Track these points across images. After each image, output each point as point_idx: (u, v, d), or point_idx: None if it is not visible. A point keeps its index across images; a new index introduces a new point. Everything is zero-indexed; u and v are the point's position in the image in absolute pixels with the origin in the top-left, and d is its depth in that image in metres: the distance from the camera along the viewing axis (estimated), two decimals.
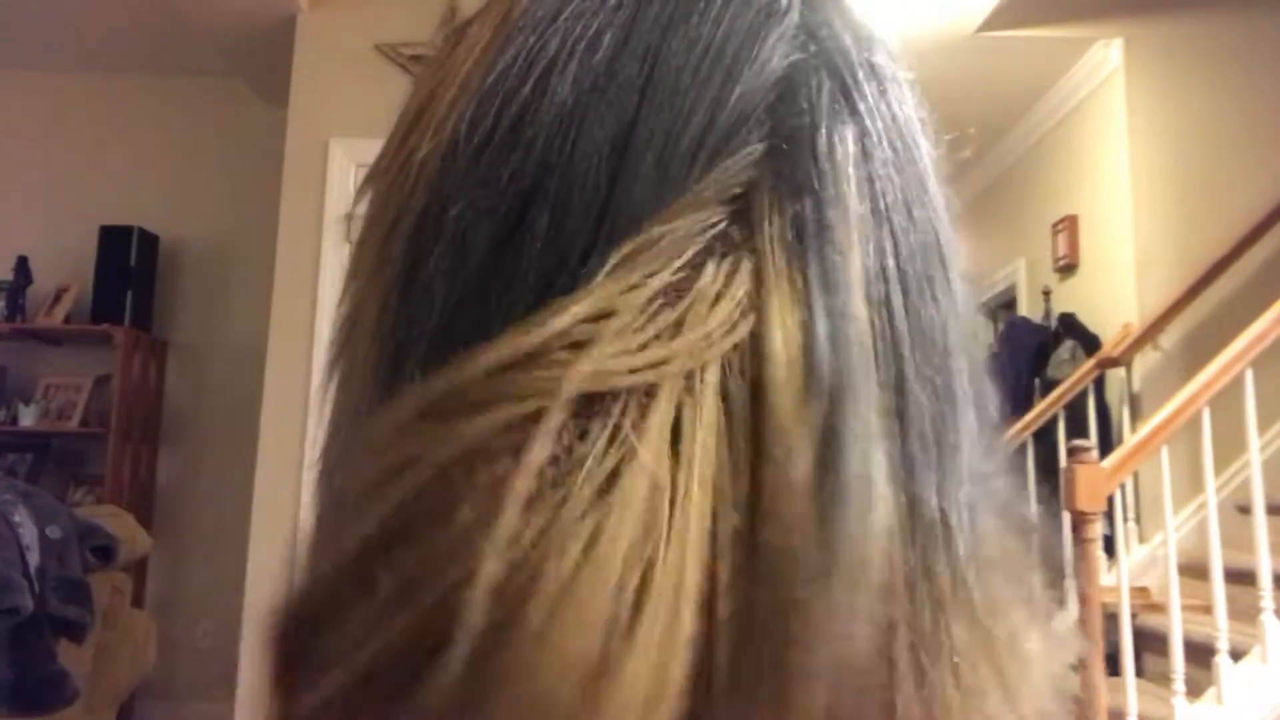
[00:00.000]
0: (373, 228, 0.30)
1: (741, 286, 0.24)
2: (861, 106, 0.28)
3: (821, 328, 0.24)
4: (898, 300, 0.26)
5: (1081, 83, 4.25)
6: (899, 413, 0.25)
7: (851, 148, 0.27)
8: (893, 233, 0.27)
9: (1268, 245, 3.77)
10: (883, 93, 0.29)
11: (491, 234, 0.26)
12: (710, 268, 0.24)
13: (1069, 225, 4.33)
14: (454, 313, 0.26)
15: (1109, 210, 4.04)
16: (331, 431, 0.30)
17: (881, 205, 0.27)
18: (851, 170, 0.26)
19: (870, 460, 0.23)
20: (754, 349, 0.23)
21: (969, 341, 0.29)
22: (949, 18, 3.65)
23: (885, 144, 0.28)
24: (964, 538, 0.26)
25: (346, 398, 0.30)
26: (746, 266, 0.24)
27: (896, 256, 0.27)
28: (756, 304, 0.24)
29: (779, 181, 0.26)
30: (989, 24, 3.69)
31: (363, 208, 0.31)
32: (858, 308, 0.25)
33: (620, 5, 0.28)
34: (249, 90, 4.37)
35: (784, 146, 0.26)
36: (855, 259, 0.26)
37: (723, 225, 0.25)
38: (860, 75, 0.28)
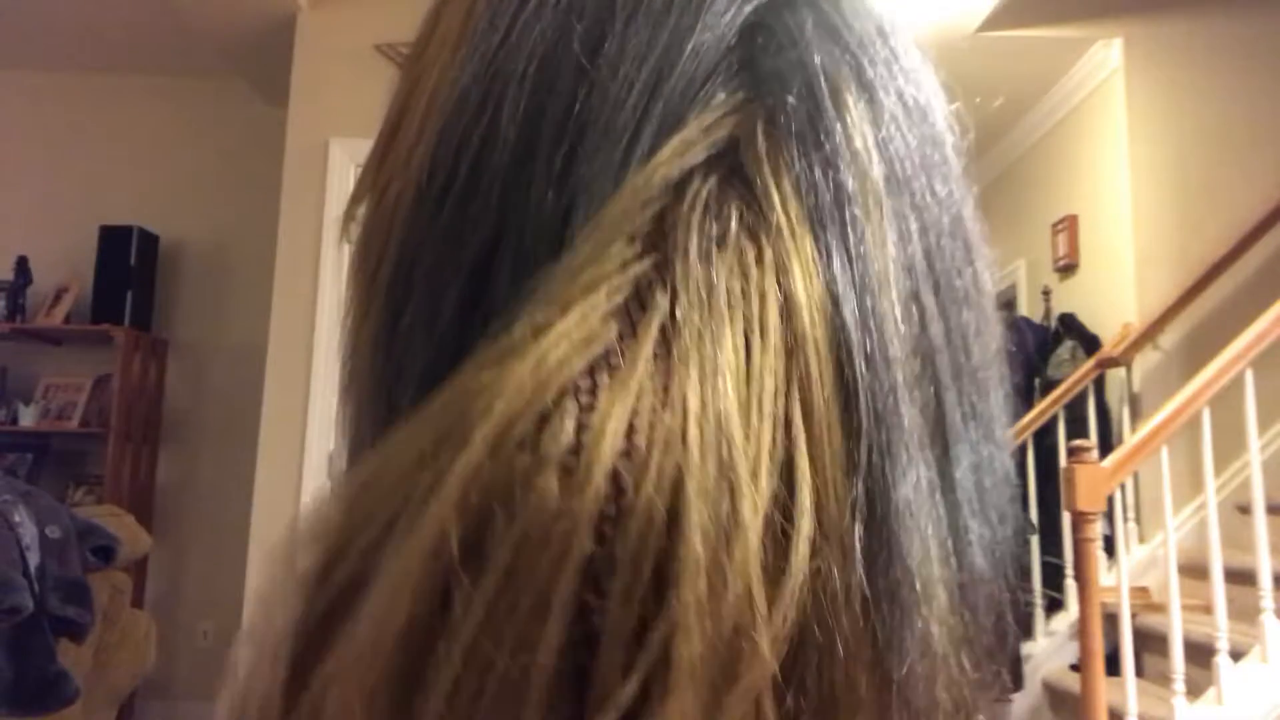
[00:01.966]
0: (360, 262, 0.30)
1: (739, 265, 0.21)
2: (850, 39, 0.24)
3: (850, 314, 0.21)
4: (929, 299, 0.23)
5: (1081, 83, 4.25)
6: (939, 430, 0.22)
7: (856, 95, 0.23)
8: (915, 209, 0.23)
9: (1268, 245, 3.77)
10: (882, 37, 0.25)
11: (458, 294, 0.25)
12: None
13: (1069, 225, 4.33)
14: (434, 362, 0.25)
15: (1109, 210, 4.04)
16: (348, 458, 0.30)
17: (899, 171, 0.23)
18: (861, 120, 0.23)
19: (915, 485, 0.21)
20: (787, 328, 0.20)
21: (1000, 348, 0.25)
22: (949, 18, 3.65)
23: (893, 95, 0.24)
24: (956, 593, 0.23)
25: (356, 426, 0.29)
26: (744, 242, 0.21)
27: (924, 243, 0.23)
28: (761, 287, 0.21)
29: (774, 131, 0.22)
30: (989, 24, 3.69)
31: (361, 209, 0.31)
32: (890, 290, 0.21)
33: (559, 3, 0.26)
34: (249, 90, 4.37)
35: (770, 88, 0.22)
36: (885, 230, 0.22)
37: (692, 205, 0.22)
38: (846, 10, 0.25)
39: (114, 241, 4.28)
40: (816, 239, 0.21)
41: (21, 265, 4.34)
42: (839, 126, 0.22)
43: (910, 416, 0.21)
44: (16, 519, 2.35)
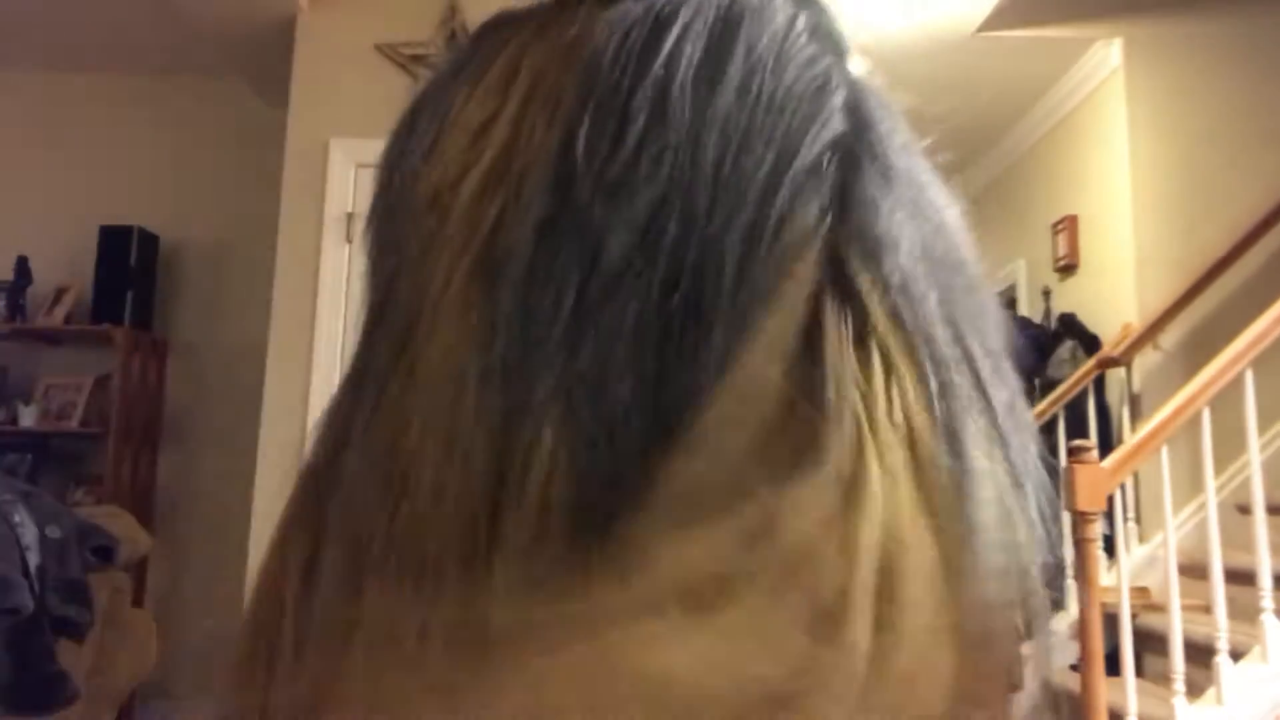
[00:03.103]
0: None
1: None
2: (906, 194, 0.29)
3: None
4: (962, 381, 0.28)
5: (1081, 83, 4.25)
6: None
7: (910, 237, 0.28)
8: (953, 322, 0.28)
9: (1268, 245, 3.77)
10: (914, 173, 0.30)
11: None
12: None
13: (1069, 225, 4.33)
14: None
15: (1109, 210, 4.04)
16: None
17: (937, 291, 0.28)
18: (908, 261, 0.28)
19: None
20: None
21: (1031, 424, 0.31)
22: (949, 18, 3.65)
23: (938, 237, 0.29)
24: None
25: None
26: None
27: (960, 342, 0.28)
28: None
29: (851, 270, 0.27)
30: (989, 24, 3.69)
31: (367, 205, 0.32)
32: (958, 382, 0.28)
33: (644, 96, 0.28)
34: (249, 90, 4.37)
35: (851, 243, 0.27)
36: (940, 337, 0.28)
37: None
38: (901, 163, 0.30)
39: (114, 241, 4.28)
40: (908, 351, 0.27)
41: (21, 265, 4.34)
42: (902, 276, 0.28)
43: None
44: (16, 519, 2.35)
